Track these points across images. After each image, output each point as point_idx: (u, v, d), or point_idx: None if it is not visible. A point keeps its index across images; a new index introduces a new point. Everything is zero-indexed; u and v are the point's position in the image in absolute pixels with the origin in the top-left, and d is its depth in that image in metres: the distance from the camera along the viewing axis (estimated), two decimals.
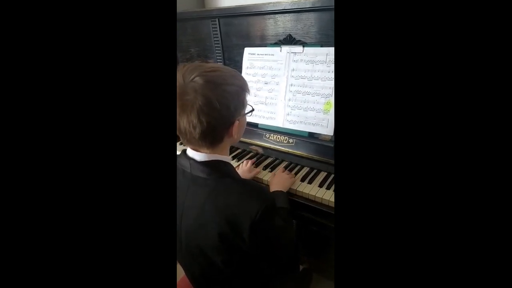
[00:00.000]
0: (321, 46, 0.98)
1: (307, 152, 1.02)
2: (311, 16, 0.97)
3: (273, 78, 1.09)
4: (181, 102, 0.55)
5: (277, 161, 1.09)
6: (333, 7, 0.80)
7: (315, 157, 1.00)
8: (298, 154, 1.04)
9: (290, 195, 0.91)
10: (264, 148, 1.13)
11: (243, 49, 1.15)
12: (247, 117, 0.68)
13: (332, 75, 0.96)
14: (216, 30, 1.22)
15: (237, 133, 0.64)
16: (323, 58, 0.97)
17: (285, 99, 1.06)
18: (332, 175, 0.96)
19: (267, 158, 1.12)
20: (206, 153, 0.62)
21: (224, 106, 0.57)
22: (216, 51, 1.27)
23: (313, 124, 1.01)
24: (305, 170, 1.02)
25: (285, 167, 1.03)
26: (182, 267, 0.75)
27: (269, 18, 1.06)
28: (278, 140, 1.08)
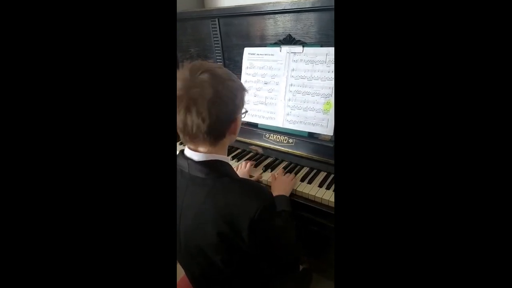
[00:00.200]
0: (321, 46, 0.98)
1: (307, 152, 1.02)
2: (311, 16, 0.97)
3: (273, 78, 1.09)
4: (189, 96, 0.55)
5: (277, 161, 1.09)
6: (333, 7, 0.80)
7: (315, 157, 1.00)
8: (298, 154, 1.04)
9: (290, 195, 0.91)
10: (264, 148, 1.13)
11: (243, 49, 1.15)
12: (247, 117, 0.69)
13: (332, 75, 0.96)
14: (216, 30, 1.22)
15: (237, 130, 0.66)
16: (323, 58, 0.97)
17: (285, 99, 1.06)
18: (332, 175, 0.97)
19: (267, 158, 1.12)
20: (204, 153, 0.63)
21: (230, 100, 0.59)
22: (216, 51, 1.27)
23: (313, 124, 1.01)
24: (305, 170, 1.02)
25: (285, 167, 1.03)
26: (182, 267, 0.75)
27: (269, 18, 1.06)
28: (278, 140, 1.08)
